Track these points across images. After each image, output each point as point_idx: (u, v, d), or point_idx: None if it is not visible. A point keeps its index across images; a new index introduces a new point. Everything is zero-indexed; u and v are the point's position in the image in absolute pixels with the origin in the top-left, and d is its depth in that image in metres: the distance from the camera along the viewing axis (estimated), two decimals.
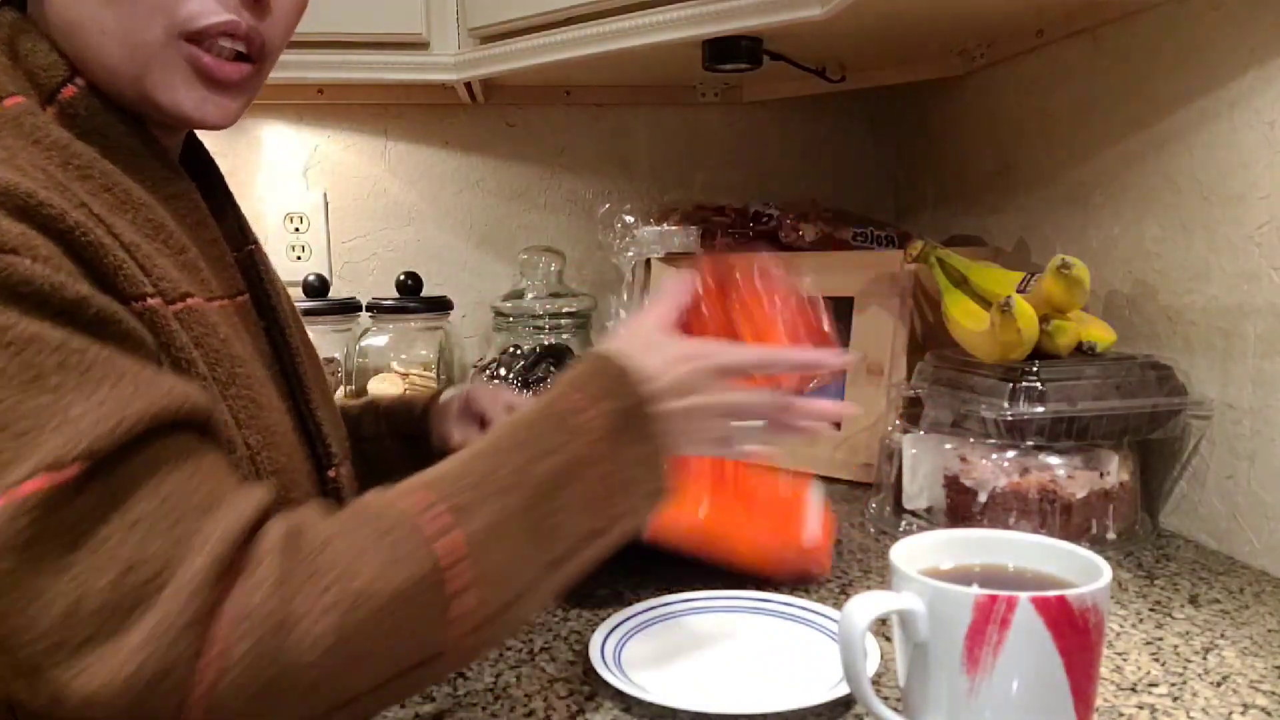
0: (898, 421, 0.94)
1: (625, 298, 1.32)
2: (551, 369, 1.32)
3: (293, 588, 0.42)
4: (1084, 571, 0.48)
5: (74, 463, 0.40)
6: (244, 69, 0.57)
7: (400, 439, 0.81)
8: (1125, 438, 0.85)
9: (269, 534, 0.44)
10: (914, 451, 0.90)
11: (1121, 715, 0.56)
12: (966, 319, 0.94)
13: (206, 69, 0.55)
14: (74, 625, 0.40)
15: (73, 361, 0.42)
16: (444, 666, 0.47)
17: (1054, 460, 0.83)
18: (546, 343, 1.35)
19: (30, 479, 0.40)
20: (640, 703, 0.57)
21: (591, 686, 0.61)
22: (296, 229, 1.47)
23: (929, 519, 0.89)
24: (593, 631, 0.66)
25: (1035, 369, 0.83)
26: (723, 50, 1.10)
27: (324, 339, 1.35)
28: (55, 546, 0.40)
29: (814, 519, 0.78)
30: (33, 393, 0.41)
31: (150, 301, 0.49)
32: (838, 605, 0.70)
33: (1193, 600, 0.73)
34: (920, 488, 0.90)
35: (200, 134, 0.64)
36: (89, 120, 0.53)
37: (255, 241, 0.65)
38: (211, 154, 0.66)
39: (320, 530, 0.45)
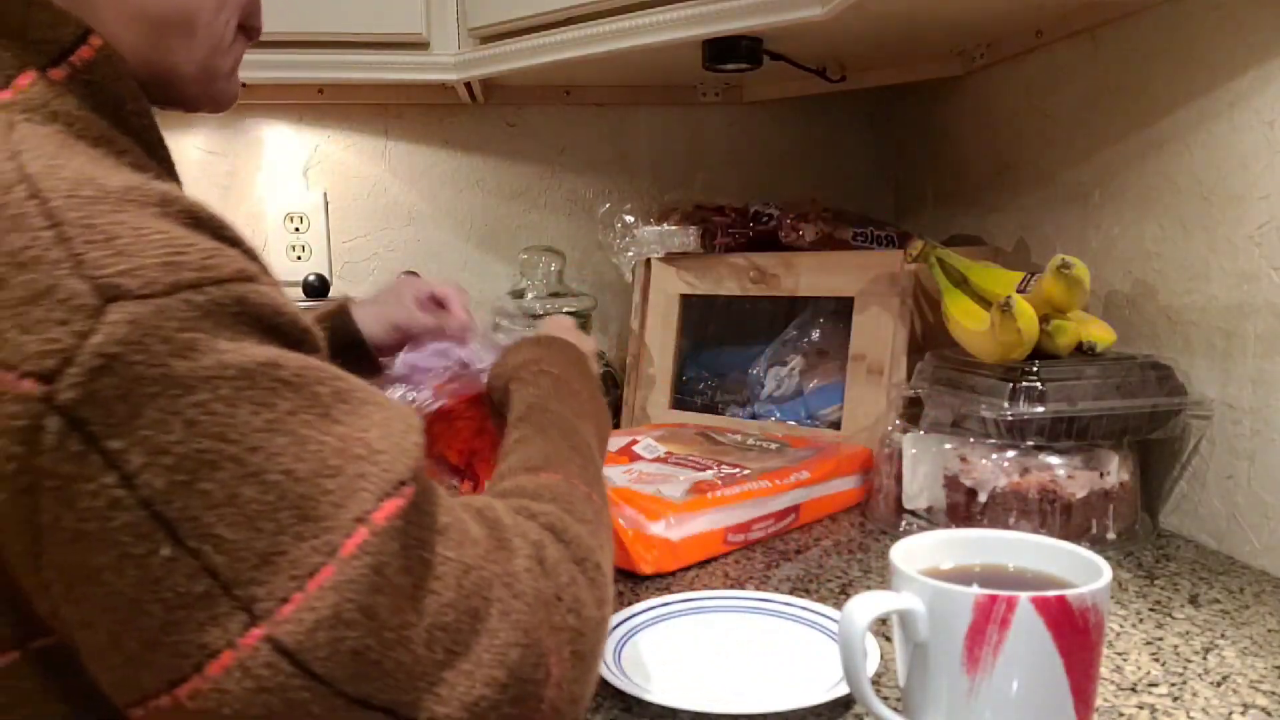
0: (898, 421, 0.94)
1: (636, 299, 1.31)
2: None
3: (577, 564, 0.47)
4: (1084, 571, 0.48)
5: (407, 485, 0.40)
6: None
7: (341, 351, 0.81)
8: (1125, 438, 0.85)
9: (525, 526, 0.47)
10: (914, 451, 0.90)
11: (1121, 715, 0.56)
12: (966, 319, 0.94)
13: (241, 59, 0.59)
14: (436, 647, 0.39)
15: (343, 389, 0.41)
16: None
17: (1054, 460, 0.83)
18: None
19: (380, 506, 0.38)
20: (640, 703, 0.57)
21: None
22: (296, 229, 1.47)
23: (929, 519, 0.89)
24: None
25: (1035, 369, 0.83)
26: (723, 50, 1.10)
27: None
28: (407, 572, 0.39)
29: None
30: (324, 428, 0.39)
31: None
32: (838, 605, 0.70)
33: (1193, 600, 0.73)
34: (920, 488, 0.90)
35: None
36: (102, 89, 0.46)
37: None
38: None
39: (545, 511, 0.50)
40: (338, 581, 0.36)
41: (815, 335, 1.21)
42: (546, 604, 0.43)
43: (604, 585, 0.48)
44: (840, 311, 1.16)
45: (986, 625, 0.45)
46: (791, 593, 0.75)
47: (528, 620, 0.42)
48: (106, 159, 0.42)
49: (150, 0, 0.51)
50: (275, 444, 0.37)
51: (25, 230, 0.35)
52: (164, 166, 0.50)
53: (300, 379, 0.39)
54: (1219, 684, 0.60)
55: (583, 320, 1.39)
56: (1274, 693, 0.58)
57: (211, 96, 0.57)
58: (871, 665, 0.57)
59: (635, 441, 1.02)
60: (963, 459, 0.86)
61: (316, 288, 1.35)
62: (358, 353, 0.80)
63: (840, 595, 0.75)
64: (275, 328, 0.39)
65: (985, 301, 0.95)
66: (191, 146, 1.41)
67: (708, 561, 0.83)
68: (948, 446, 0.87)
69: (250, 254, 0.41)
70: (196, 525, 0.35)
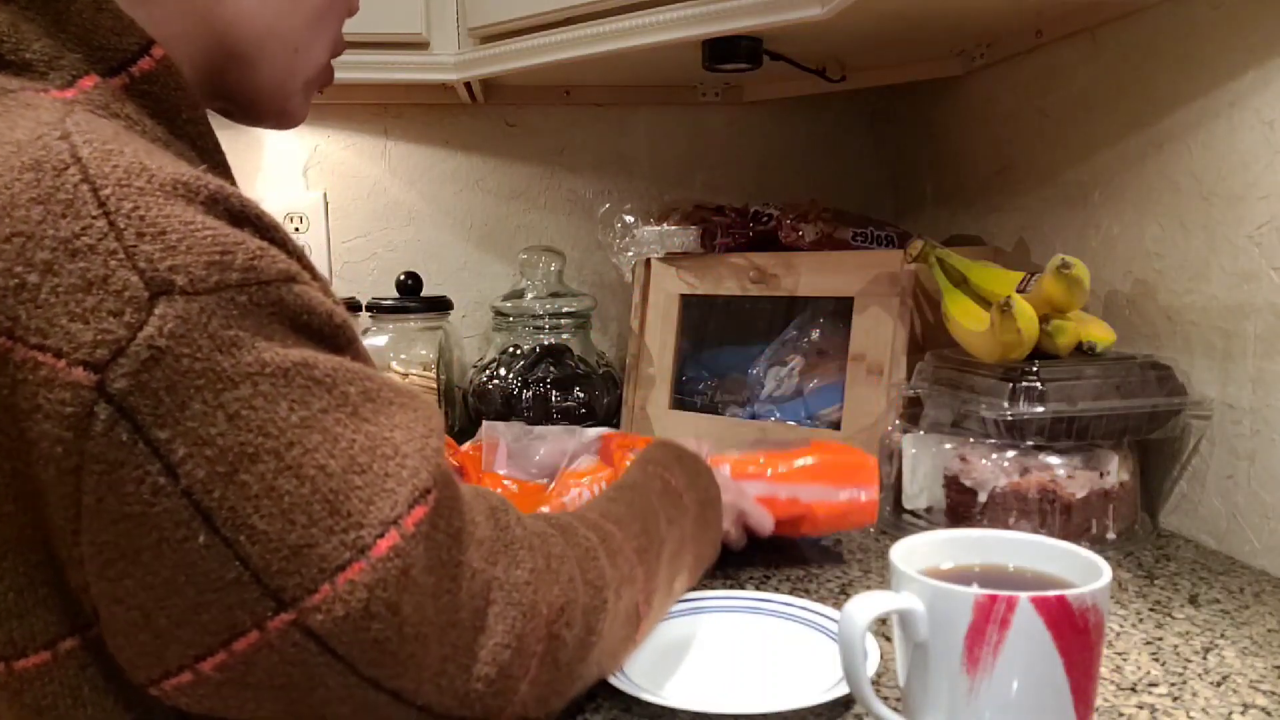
0: (898, 421, 0.94)
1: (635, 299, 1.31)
2: (551, 369, 1.32)
3: (589, 586, 0.50)
4: (1084, 571, 0.48)
5: (432, 491, 0.41)
6: None
7: None
8: (1125, 438, 0.85)
9: (551, 540, 0.49)
10: (914, 451, 0.90)
11: (1121, 715, 0.56)
12: (966, 319, 0.94)
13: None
14: (445, 643, 0.41)
15: (370, 389, 0.42)
16: None
17: (1054, 460, 0.83)
18: (546, 343, 1.35)
19: (411, 511, 0.40)
20: (640, 703, 0.57)
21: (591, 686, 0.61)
22: (296, 229, 1.47)
23: (929, 519, 0.89)
24: None
25: (1035, 369, 0.83)
26: (723, 50, 1.10)
27: None
28: (430, 572, 0.41)
29: None
30: (353, 426, 0.40)
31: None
32: (838, 605, 0.70)
33: (1193, 600, 0.73)
34: (920, 488, 0.90)
35: None
36: (159, 100, 0.46)
37: None
38: None
39: (587, 537, 0.52)
40: (369, 580, 0.38)
41: (815, 335, 1.21)
42: (542, 614, 0.45)
43: (604, 616, 0.50)
44: (840, 311, 1.16)
45: (986, 625, 0.45)
46: (791, 593, 0.75)
47: (521, 627, 0.44)
48: (160, 152, 0.42)
49: (237, 18, 0.51)
50: (310, 440, 0.38)
51: (78, 217, 0.36)
52: (218, 171, 0.50)
53: (331, 379, 0.40)
54: (1219, 684, 0.60)
55: (583, 320, 1.39)
56: (1274, 693, 0.58)
57: (282, 112, 0.57)
58: (871, 665, 0.57)
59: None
60: (963, 459, 0.86)
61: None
62: None
63: (840, 595, 0.75)
64: (307, 326, 0.41)
65: (985, 301, 0.95)
66: None
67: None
68: (948, 446, 0.87)
69: (294, 252, 0.43)
70: (233, 515, 0.37)
